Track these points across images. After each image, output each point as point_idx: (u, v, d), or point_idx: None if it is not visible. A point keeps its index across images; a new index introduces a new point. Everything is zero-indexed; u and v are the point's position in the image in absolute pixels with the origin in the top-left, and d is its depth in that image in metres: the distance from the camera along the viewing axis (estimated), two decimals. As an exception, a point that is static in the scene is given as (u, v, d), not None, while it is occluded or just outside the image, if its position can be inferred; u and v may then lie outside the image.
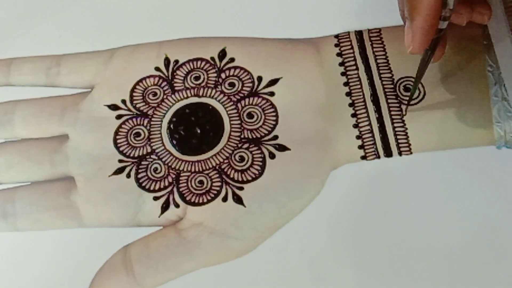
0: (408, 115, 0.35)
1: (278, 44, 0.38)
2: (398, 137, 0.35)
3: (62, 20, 0.40)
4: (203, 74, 0.37)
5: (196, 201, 0.34)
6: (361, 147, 0.35)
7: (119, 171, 0.35)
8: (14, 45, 0.39)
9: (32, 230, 0.35)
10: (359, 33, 0.37)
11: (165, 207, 0.34)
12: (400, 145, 0.34)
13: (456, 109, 0.34)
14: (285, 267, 0.33)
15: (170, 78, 0.37)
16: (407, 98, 0.35)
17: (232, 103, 0.36)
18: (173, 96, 0.37)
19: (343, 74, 0.36)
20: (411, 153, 0.34)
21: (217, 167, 0.35)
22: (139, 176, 0.35)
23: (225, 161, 0.35)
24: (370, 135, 0.35)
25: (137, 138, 0.36)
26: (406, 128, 0.35)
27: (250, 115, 0.36)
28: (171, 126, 0.36)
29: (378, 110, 0.35)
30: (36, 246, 0.35)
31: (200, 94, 0.37)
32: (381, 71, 0.36)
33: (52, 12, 0.40)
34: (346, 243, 0.33)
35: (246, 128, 0.36)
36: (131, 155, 0.35)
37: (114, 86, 0.37)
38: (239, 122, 0.36)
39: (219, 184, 0.34)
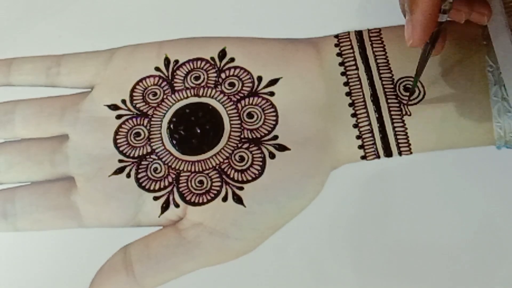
0: (408, 116, 0.35)
1: (278, 44, 0.38)
2: (398, 137, 0.35)
3: (62, 20, 0.40)
4: (203, 74, 0.37)
5: (196, 201, 0.34)
6: (361, 147, 0.35)
7: (119, 171, 0.35)
8: (14, 45, 0.39)
9: (32, 230, 0.35)
10: (359, 33, 0.37)
11: (165, 207, 0.34)
12: (400, 145, 0.34)
13: (456, 109, 0.34)
14: (285, 267, 0.33)
15: (170, 78, 0.37)
16: (407, 98, 0.35)
17: (232, 103, 0.36)
18: (173, 96, 0.37)
19: (343, 74, 0.36)
20: (411, 153, 0.34)
21: (217, 167, 0.35)
22: (139, 176, 0.35)
23: (225, 161, 0.35)
24: (370, 135, 0.35)
25: (137, 138, 0.36)
26: (406, 128, 0.35)
27: (250, 115, 0.36)
28: (171, 126, 0.36)
29: (378, 110, 0.35)
30: (36, 246, 0.35)
31: (200, 94, 0.37)
32: (381, 71, 0.36)
33: (52, 12, 0.40)
34: (346, 243, 0.33)
35: (246, 128, 0.36)
36: (131, 155, 0.35)
37: (114, 86, 0.37)
38: (239, 122, 0.36)
39: (219, 184, 0.34)
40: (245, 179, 0.34)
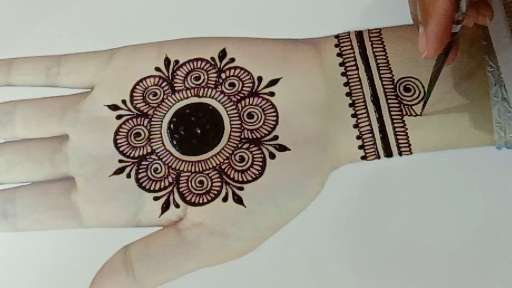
0: (408, 116, 0.35)
1: (278, 44, 0.38)
2: (398, 137, 0.35)
3: (62, 20, 0.40)
4: (203, 74, 0.37)
5: (196, 201, 0.34)
6: (361, 147, 0.35)
7: (119, 171, 0.35)
8: (14, 45, 0.39)
9: (32, 230, 0.35)
10: (359, 33, 0.37)
11: (165, 207, 0.34)
12: (400, 145, 0.35)
13: (456, 110, 0.34)
14: (285, 267, 0.33)
15: (170, 78, 0.37)
16: (407, 98, 0.35)
17: (232, 103, 0.36)
18: (173, 96, 0.37)
19: (343, 74, 0.36)
20: (411, 153, 0.34)
21: (217, 167, 0.35)
22: (139, 176, 0.35)
23: (225, 161, 0.35)
24: (370, 135, 0.35)
25: (137, 138, 0.36)
26: (406, 128, 0.35)
27: (250, 115, 0.36)
28: (171, 126, 0.36)
29: (378, 110, 0.35)
30: (36, 246, 0.35)
31: (200, 94, 0.37)
32: (381, 71, 0.36)
33: (52, 12, 0.40)
34: (346, 243, 0.33)
35: (246, 128, 0.36)
36: (131, 155, 0.35)
37: (114, 86, 0.37)
38: (239, 122, 0.36)
39: (219, 184, 0.34)
40: (245, 179, 0.34)
